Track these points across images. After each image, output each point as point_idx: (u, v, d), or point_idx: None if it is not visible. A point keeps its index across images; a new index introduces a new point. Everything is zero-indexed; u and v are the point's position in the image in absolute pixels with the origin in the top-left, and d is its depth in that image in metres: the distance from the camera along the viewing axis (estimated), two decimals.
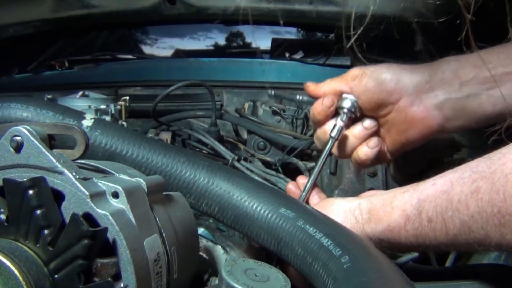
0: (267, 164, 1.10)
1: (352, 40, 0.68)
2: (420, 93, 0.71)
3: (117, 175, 0.47)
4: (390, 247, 0.61)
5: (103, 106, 0.93)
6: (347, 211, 0.65)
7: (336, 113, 0.75)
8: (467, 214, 0.51)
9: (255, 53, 2.04)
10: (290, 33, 2.06)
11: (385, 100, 0.72)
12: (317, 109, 0.75)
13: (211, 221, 0.75)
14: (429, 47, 0.79)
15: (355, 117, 0.74)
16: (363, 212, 0.63)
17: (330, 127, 0.74)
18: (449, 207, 0.53)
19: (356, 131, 0.76)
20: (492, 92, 0.68)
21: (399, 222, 0.58)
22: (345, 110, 0.73)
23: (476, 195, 0.50)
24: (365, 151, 0.75)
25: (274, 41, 1.55)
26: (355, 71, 0.74)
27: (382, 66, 0.74)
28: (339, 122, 0.73)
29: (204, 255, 0.63)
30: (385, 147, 0.77)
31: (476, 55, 0.65)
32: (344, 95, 0.74)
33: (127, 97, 0.99)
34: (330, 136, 0.74)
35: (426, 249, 0.58)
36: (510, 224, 0.47)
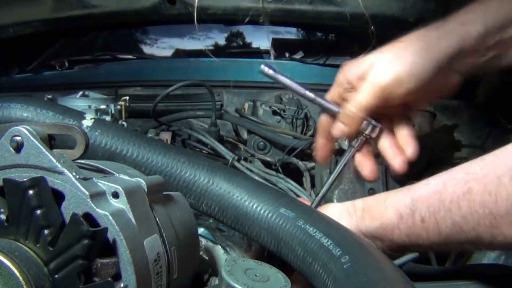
0: (267, 164, 1.10)
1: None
2: (454, 64, 0.68)
3: (117, 175, 0.47)
4: (383, 245, 0.61)
5: (103, 106, 0.92)
6: (342, 209, 0.65)
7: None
8: (459, 214, 0.51)
9: (255, 53, 2.04)
10: (290, 33, 2.06)
11: (427, 85, 0.68)
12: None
13: (211, 221, 0.75)
14: None
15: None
16: (357, 210, 0.63)
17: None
18: (441, 207, 0.53)
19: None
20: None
21: (392, 220, 0.59)
22: (365, 134, 0.72)
23: (468, 196, 0.50)
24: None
25: (274, 41, 1.55)
26: (383, 79, 0.67)
27: (406, 60, 0.68)
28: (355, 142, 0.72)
29: (204, 255, 0.63)
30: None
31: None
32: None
33: (127, 97, 0.99)
34: (350, 145, 0.73)
35: (418, 248, 0.58)
36: (501, 226, 0.48)
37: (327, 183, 0.75)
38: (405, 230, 0.57)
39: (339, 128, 0.72)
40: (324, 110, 0.75)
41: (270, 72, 0.72)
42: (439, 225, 0.53)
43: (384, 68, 0.68)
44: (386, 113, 0.73)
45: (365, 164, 0.73)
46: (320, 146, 0.76)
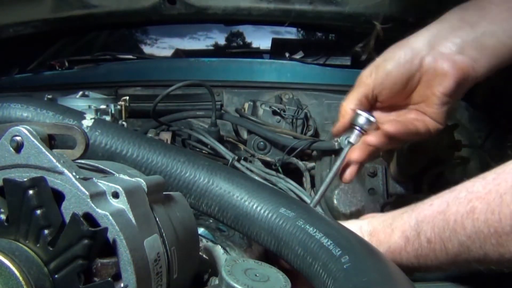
0: (267, 164, 1.10)
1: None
2: (437, 46, 0.70)
3: (117, 175, 0.47)
4: None
5: (103, 106, 0.92)
6: None
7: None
8: (464, 234, 0.51)
9: (255, 53, 2.04)
10: (290, 33, 2.07)
11: (410, 70, 0.71)
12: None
13: (211, 221, 0.75)
14: None
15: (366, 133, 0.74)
16: (364, 235, 0.63)
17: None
18: (446, 228, 0.53)
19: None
20: (505, 26, 0.68)
21: (399, 243, 0.59)
22: (358, 128, 0.73)
23: (472, 215, 0.50)
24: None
25: (274, 41, 1.55)
26: (365, 71, 0.74)
27: (386, 51, 0.73)
28: (352, 138, 0.73)
29: (204, 255, 0.63)
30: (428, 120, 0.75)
31: None
32: (358, 112, 0.73)
33: (127, 97, 0.99)
34: (349, 142, 0.74)
35: (428, 269, 0.58)
36: (508, 244, 0.47)
37: (325, 182, 0.75)
38: (412, 252, 0.57)
39: (335, 125, 0.76)
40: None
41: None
42: (446, 245, 0.53)
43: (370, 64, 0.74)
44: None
45: (347, 167, 0.75)
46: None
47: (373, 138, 0.73)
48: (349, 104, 0.74)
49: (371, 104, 0.75)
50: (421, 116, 0.74)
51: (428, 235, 0.55)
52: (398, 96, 0.73)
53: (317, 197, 0.75)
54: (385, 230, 0.61)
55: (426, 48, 0.70)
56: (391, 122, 0.74)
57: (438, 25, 0.71)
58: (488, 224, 0.48)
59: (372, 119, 0.72)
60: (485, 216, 0.49)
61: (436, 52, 0.70)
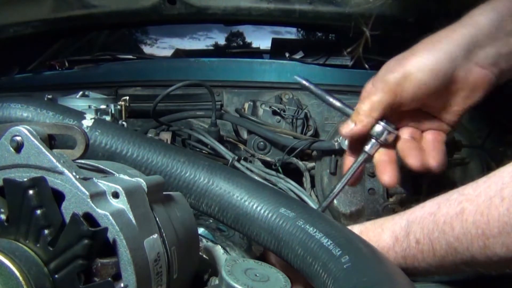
0: (267, 164, 1.10)
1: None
2: (472, 55, 0.65)
3: (117, 175, 0.47)
4: None
5: (103, 106, 0.92)
6: None
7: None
8: (452, 235, 0.51)
9: (255, 53, 2.05)
10: (290, 33, 2.07)
11: (445, 81, 0.65)
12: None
13: (211, 221, 0.75)
14: None
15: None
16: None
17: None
18: (435, 228, 0.53)
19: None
20: None
21: (388, 242, 0.59)
22: (377, 139, 0.69)
23: (461, 217, 0.50)
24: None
25: (274, 41, 1.55)
26: (392, 77, 0.66)
27: (414, 54, 0.66)
28: (367, 148, 0.70)
29: (204, 255, 0.63)
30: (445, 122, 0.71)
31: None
32: (380, 123, 0.68)
33: (127, 97, 0.99)
34: (364, 151, 0.70)
35: (415, 271, 0.57)
36: (495, 247, 0.47)
37: (336, 188, 0.73)
38: (401, 252, 0.57)
39: (348, 127, 0.70)
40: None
41: (304, 82, 0.77)
42: (434, 246, 0.53)
43: (393, 64, 0.67)
44: (412, 123, 0.71)
45: (384, 170, 0.70)
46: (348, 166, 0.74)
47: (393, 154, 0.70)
48: (373, 112, 0.68)
49: (392, 112, 0.69)
50: (436, 122, 0.71)
51: (417, 235, 0.55)
52: (423, 106, 0.69)
53: (325, 203, 0.75)
54: (375, 230, 0.61)
55: (461, 57, 0.65)
56: (411, 154, 0.69)
57: (473, 30, 0.65)
58: (476, 225, 0.48)
59: (395, 132, 0.69)
60: (474, 217, 0.49)
61: (471, 63, 0.65)
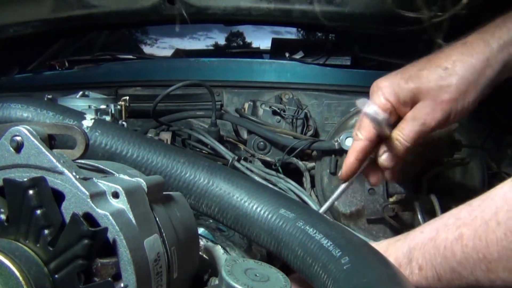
0: (267, 164, 1.10)
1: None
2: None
3: (117, 175, 0.47)
4: None
5: (103, 106, 0.92)
6: None
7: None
8: (455, 260, 0.51)
9: (255, 53, 2.04)
10: (290, 33, 2.07)
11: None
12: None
13: (211, 221, 0.75)
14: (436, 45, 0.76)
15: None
16: None
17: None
18: (437, 254, 0.54)
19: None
20: None
21: None
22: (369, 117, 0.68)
23: (460, 242, 0.51)
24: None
25: (274, 41, 1.55)
26: (447, 94, 0.67)
27: (459, 65, 0.67)
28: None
29: (204, 255, 0.63)
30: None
31: None
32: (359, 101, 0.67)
33: (127, 97, 0.99)
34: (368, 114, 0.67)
35: None
36: (497, 270, 0.48)
37: (338, 191, 0.75)
38: None
39: (389, 158, 0.72)
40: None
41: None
42: (438, 272, 0.54)
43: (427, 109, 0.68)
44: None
45: (369, 171, 0.75)
46: (350, 167, 0.74)
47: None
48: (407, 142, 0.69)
49: None
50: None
51: (419, 262, 0.56)
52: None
53: (326, 204, 0.75)
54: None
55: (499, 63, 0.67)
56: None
57: (487, 47, 0.67)
58: (477, 250, 0.49)
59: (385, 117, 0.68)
60: (473, 242, 0.49)
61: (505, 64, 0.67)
